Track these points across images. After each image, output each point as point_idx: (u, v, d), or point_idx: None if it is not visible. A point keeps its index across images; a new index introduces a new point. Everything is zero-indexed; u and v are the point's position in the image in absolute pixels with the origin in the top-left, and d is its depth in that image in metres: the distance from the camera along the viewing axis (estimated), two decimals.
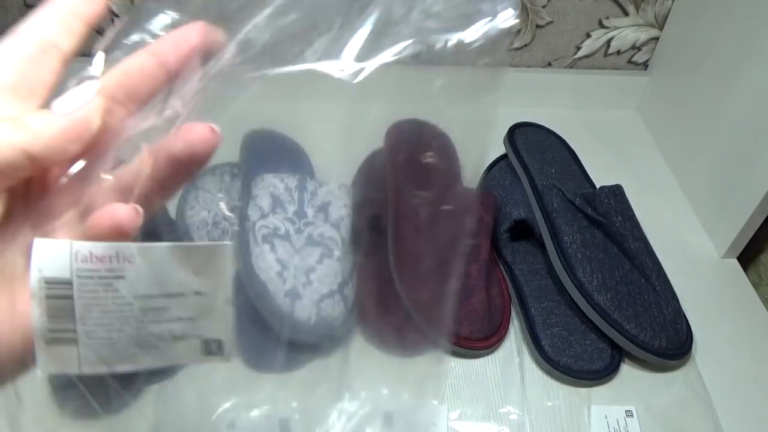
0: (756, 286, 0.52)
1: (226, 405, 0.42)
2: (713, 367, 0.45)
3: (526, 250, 0.51)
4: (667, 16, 0.65)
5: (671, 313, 0.45)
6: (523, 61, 0.67)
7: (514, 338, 0.47)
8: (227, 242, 0.24)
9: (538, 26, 0.64)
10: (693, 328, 0.47)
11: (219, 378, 0.42)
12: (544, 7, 0.63)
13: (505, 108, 0.62)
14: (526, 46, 0.66)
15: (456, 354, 0.45)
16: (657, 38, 0.66)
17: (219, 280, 0.24)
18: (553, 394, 0.44)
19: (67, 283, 0.22)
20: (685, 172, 0.60)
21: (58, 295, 0.22)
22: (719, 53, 0.56)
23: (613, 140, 0.65)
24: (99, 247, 0.22)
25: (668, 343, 0.44)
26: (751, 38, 0.51)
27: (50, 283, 0.22)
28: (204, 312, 0.24)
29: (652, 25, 0.66)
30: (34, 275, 0.22)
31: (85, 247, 0.22)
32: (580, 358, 0.45)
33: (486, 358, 0.46)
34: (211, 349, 0.24)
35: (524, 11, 0.63)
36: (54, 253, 0.22)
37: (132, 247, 0.22)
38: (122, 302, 0.22)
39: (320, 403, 0.42)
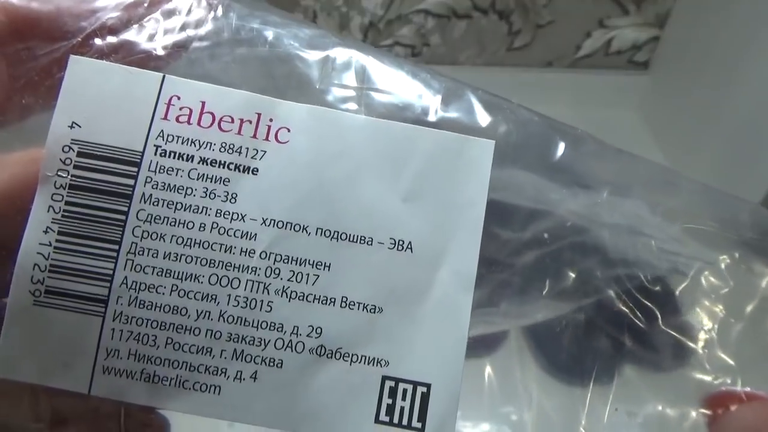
0: None
1: None
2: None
3: None
4: (667, 16, 0.64)
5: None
6: (523, 60, 0.66)
7: (515, 337, 0.47)
8: (489, 140, 0.12)
9: (538, 26, 0.64)
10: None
11: None
12: (544, 6, 0.63)
13: None
14: (526, 45, 0.65)
15: None
16: (657, 38, 0.66)
17: (453, 221, 0.12)
18: (553, 394, 0.44)
19: (130, 163, 0.11)
20: (686, 172, 0.60)
21: (99, 189, 0.11)
22: (720, 53, 0.55)
23: (613, 140, 0.64)
24: (223, 96, 0.11)
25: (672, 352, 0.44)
26: (752, 38, 0.51)
27: (89, 156, 0.11)
28: (403, 299, 0.12)
29: (652, 25, 0.65)
30: (57, 131, 0.11)
31: (195, 89, 0.11)
32: (581, 357, 0.45)
33: (486, 357, 0.46)
34: (400, 408, 0.12)
35: (524, 11, 0.63)
36: (111, 88, 0.11)
37: (294, 108, 0.12)
38: (234, 230, 0.11)
39: None
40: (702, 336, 0.18)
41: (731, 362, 0.17)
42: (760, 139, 0.50)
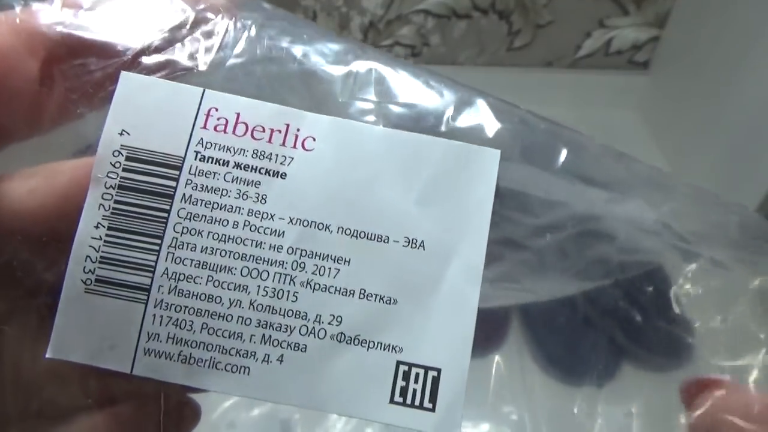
0: None
1: (227, 404, 0.41)
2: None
3: None
4: (667, 16, 0.65)
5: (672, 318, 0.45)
6: (523, 60, 0.67)
7: (515, 338, 0.47)
8: (494, 149, 0.13)
9: (538, 26, 0.64)
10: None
11: None
12: (544, 6, 0.63)
13: None
14: (526, 45, 0.66)
15: None
16: (657, 38, 0.66)
17: (462, 222, 0.13)
18: (553, 394, 0.44)
19: (173, 167, 0.12)
20: (686, 172, 0.60)
21: (145, 189, 0.12)
22: (720, 53, 0.56)
23: (613, 140, 0.64)
24: (256, 108, 0.13)
25: (669, 348, 0.44)
26: (752, 38, 0.51)
27: (136, 160, 0.12)
28: (416, 292, 0.13)
29: (652, 25, 0.65)
30: (108, 138, 0.12)
31: (231, 102, 0.13)
32: (581, 357, 0.45)
33: (486, 357, 0.46)
34: (412, 390, 0.13)
35: (524, 11, 0.63)
36: (157, 101, 0.12)
37: (319, 119, 0.13)
38: (264, 228, 0.12)
39: None
40: (696, 331, 0.19)
41: (724, 356, 0.18)
42: (760, 139, 0.50)
